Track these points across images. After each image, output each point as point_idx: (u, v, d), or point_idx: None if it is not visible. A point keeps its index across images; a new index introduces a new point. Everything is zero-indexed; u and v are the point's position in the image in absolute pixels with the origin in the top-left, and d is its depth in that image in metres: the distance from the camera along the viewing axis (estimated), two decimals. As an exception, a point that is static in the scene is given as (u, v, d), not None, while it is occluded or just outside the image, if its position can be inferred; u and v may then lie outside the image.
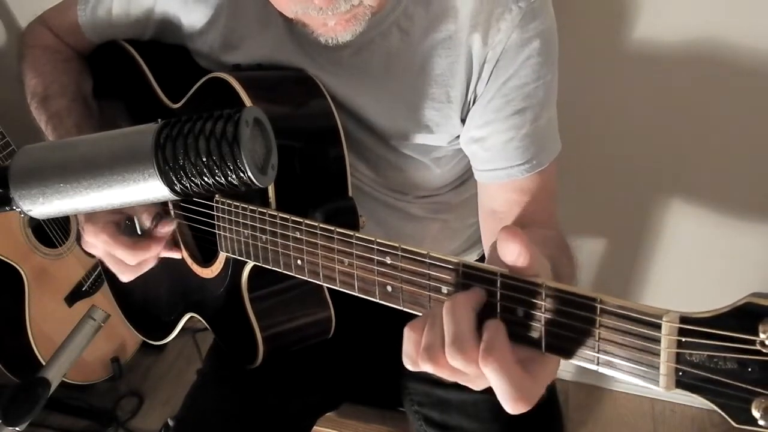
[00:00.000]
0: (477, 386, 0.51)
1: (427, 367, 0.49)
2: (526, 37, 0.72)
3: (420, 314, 0.55)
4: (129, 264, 0.78)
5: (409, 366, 0.51)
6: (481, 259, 1.02)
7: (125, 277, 0.80)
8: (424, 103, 0.78)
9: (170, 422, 1.56)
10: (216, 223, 0.78)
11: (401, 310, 0.58)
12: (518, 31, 0.72)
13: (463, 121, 0.79)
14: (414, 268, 0.54)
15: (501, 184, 0.78)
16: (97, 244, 0.77)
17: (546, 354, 0.46)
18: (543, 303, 0.46)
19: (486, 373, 0.45)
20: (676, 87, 1.17)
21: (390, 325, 0.98)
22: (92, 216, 0.77)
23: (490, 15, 0.72)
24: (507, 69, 0.73)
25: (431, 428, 0.92)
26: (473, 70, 0.75)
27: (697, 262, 1.38)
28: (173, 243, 0.85)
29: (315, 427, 0.96)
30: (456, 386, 0.91)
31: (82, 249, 1.64)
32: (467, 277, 0.50)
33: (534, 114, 0.75)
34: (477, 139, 0.78)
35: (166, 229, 0.78)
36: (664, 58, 1.14)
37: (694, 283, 1.40)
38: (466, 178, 0.92)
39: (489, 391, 0.96)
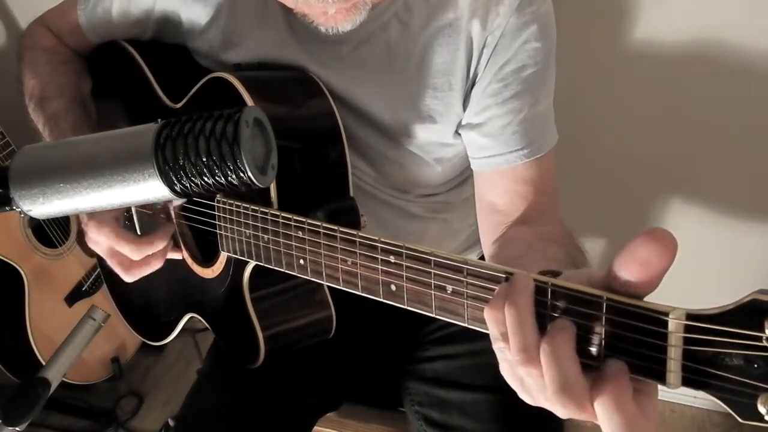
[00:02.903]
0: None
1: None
2: (524, 21, 0.72)
3: (424, 313, 0.55)
4: (134, 259, 0.78)
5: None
6: (481, 258, 1.02)
7: (129, 277, 0.80)
8: (426, 93, 0.78)
9: (170, 422, 1.56)
10: (217, 223, 0.77)
11: (402, 311, 0.57)
12: (516, 15, 0.72)
13: (465, 108, 0.79)
14: (418, 267, 0.54)
15: (499, 171, 0.78)
16: (101, 239, 0.77)
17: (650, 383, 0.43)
18: (547, 300, 0.45)
19: (598, 411, 0.41)
20: (677, 87, 1.17)
21: (390, 325, 0.99)
22: (95, 213, 0.77)
23: (488, 0, 0.72)
24: (504, 53, 0.74)
25: (431, 428, 0.92)
26: (473, 56, 0.75)
27: (697, 262, 1.38)
28: (173, 243, 0.85)
29: (315, 427, 0.96)
30: (456, 386, 0.92)
31: (83, 249, 1.64)
32: (472, 275, 0.50)
33: (533, 98, 0.75)
34: (475, 125, 0.78)
35: (176, 202, 0.78)
36: (664, 58, 1.14)
37: (694, 282, 1.40)
38: (466, 177, 0.92)
39: (489, 391, 0.96)
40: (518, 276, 0.47)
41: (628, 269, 0.41)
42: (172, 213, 0.86)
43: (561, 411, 0.43)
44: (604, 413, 0.40)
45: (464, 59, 0.75)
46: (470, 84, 0.77)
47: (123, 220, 0.80)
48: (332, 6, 0.67)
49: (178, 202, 0.80)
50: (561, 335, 0.43)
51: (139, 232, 0.82)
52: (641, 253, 0.40)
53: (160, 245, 0.79)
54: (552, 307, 0.45)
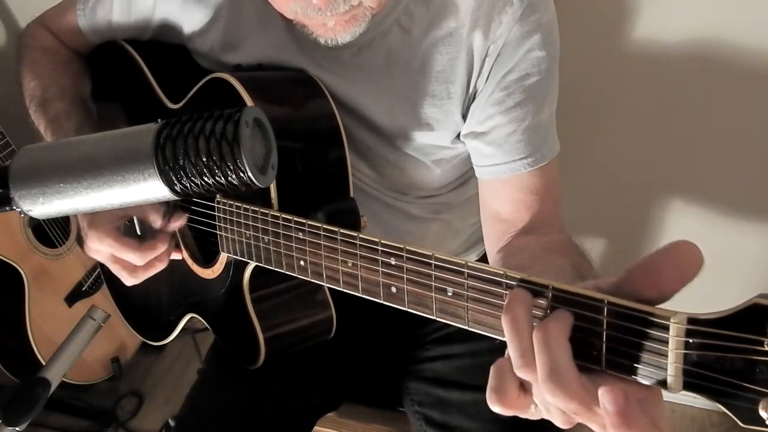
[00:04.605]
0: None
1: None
2: (527, 30, 0.72)
3: (424, 315, 0.55)
4: (137, 265, 0.78)
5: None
6: (482, 259, 1.02)
7: (131, 280, 0.80)
8: (425, 100, 0.78)
9: (171, 422, 1.56)
10: (217, 224, 0.77)
11: (403, 311, 0.57)
12: (519, 25, 0.72)
13: (464, 116, 0.79)
14: (419, 269, 0.54)
15: (503, 180, 0.78)
16: (102, 249, 0.78)
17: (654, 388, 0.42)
18: (549, 304, 0.45)
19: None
20: (677, 87, 1.17)
21: (391, 325, 0.98)
22: (95, 222, 0.77)
23: (491, 8, 0.72)
24: (508, 62, 0.73)
25: (431, 428, 0.92)
26: (474, 65, 0.75)
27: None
28: (174, 244, 0.85)
29: (315, 427, 0.96)
30: (456, 386, 0.92)
31: (83, 249, 1.63)
32: (472, 277, 0.50)
33: (536, 107, 0.75)
34: (479, 134, 0.78)
35: (178, 223, 0.79)
36: (665, 58, 1.14)
37: (694, 282, 1.40)
38: (467, 178, 0.92)
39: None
40: (513, 292, 0.47)
41: (649, 281, 0.41)
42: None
43: (552, 400, 0.42)
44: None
45: (464, 68, 0.75)
46: (471, 93, 0.77)
47: (123, 221, 0.80)
48: (331, 18, 0.67)
49: (181, 223, 0.80)
50: (553, 324, 0.43)
51: (138, 233, 0.82)
52: (666, 271, 0.40)
53: (162, 248, 0.79)
54: (553, 311, 0.45)
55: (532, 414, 0.47)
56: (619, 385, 0.40)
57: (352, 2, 0.66)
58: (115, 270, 0.80)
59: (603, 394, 0.39)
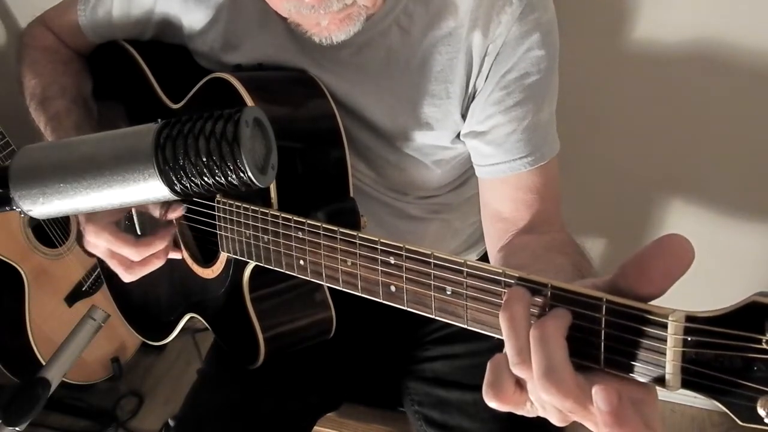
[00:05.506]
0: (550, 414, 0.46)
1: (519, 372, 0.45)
2: (526, 29, 0.72)
3: (424, 314, 0.55)
4: (133, 260, 0.78)
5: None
6: (482, 258, 1.02)
7: (128, 277, 0.80)
8: (424, 100, 0.78)
9: (170, 422, 1.56)
10: (217, 223, 0.77)
11: (403, 310, 0.57)
12: (518, 24, 0.72)
13: (463, 116, 0.79)
14: (418, 268, 0.54)
15: (503, 179, 0.78)
16: (99, 243, 0.78)
17: (649, 386, 0.42)
18: (547, 302, 0.45)
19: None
20: (677, 87, 1.17)
21: (390, 325, 0.99)
22: (93, 216, 0.77)
23: (490, 8, 0.72)
24: (507, 62, 0.73)
25: (431, 428, 0.92)
26: (473, 65, 0.75)
27: (696, 263, 1.38)
28: (173, 243, 0.85)
29: (315, 427, 0.96)
30: (456, 386, 0.92)
31: (83, 249, 1.64)
32: (471, 276, 0.50)
33: (536, 106, 0.75)
34: (478, 133, 0.78)
35: (176, 213, 0.79)
36: (665, 58, 1.14)
37: (695, 283, 1.40)
38: (466, 178, 0.92)
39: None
40: (511, 290, 0.47)
41: (641, 276, 0.41)
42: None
43: (547, 398, 0.42)
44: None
45: (464, 68, 0.75)
46: (471, 93, 0.77)
47: (123, 221, 0.80)
48: (325, 17, 0.67)
49: (179, 213, 0.80)
50: (551, 322, 0.43)
51: (139, 232, 0.82)
52: (657, 264, 0.40)
53: (160, 246, 0.79)
54: (551, 309, 0.45)
55: (528, 411, 0.47)
56: (613, 384, 0.40)
57: (345, 1, 0.66)
58: (112, 265, 0.80)
59: (596, 393, 0.40)
